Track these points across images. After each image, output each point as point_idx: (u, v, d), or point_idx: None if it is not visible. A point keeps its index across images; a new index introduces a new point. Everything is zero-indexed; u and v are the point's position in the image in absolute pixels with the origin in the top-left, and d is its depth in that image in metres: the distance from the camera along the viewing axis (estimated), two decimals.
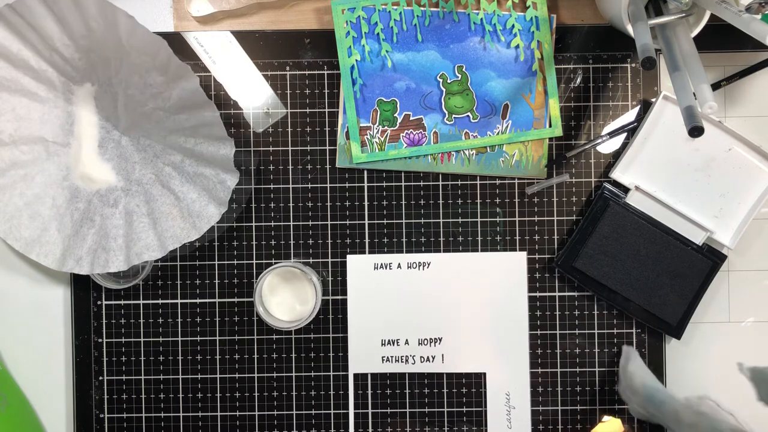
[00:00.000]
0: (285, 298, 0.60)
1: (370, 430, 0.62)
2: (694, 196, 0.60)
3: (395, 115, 0.61)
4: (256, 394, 0.62)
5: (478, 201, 0.62)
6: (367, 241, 0.62)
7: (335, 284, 0.62)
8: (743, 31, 0.48)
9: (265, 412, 0.62)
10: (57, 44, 0.56)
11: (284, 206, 0.62)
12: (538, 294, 0.62)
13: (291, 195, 0.62)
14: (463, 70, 0.61)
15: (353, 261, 0.62)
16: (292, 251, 0.62)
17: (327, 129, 0.62)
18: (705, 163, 0.60)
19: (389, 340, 0.62)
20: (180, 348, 0.62)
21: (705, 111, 0.47)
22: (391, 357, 0.62)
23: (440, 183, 0.62)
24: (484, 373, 0.62)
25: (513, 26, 0.60)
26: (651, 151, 0.60)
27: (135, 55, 0.54)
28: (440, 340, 0.62)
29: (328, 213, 0.62)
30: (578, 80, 0.61)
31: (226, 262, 0.62)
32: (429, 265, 0.62)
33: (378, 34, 0.60)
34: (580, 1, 0.61)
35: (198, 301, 0.62)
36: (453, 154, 0.61)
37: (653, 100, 0.61)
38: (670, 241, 0.60)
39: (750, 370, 0.55)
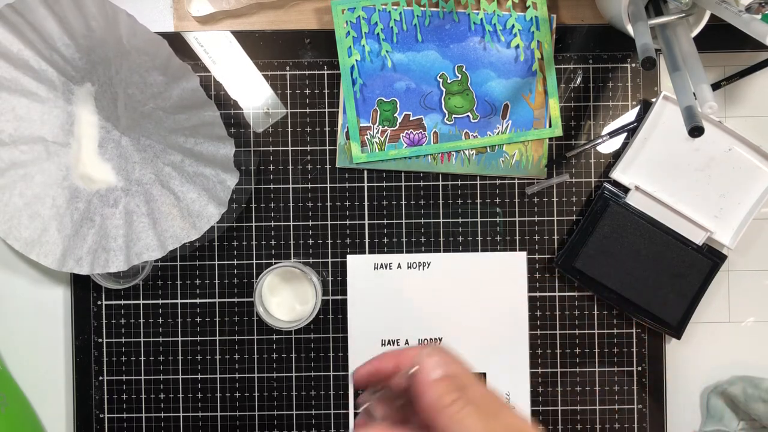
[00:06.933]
0: (285, 298, 0.60)
1: None
2: (694, 196, 0.60)
3: (395, 115, 0.61)
4: (256, 394, 0.62)
5: (478, 201, 0.62)
6: (367, 241, 0.62)
7: (335, 284, 0.62)
8: (743, 31, 0.48)
9: (265, 412, 0.62)
10: (57, 44, 0.56)
11: (284, 206, 0.62)
12: (538, 294, 0.62)
13: (291, 195, 0.62)
14: (463, 70, 0.61)
15: (353, 261, 0.62)
16: (292, 251, 0.62)
17: (327, 129, 0.62)
18: (705, 163, 0.60)
19: (389, 340, 0.62)
20: (180, 348, 0.62)
21: (705, 111, 0.47)
22: None
23: (440, 183, 0.62)
24: (484, 373, 0.62)
25: (513, 26, 0.60)
26: (651, 151, 0.60)
27: (135, 55, 0.54)
28: (440, 340, 0.62)
29: (328, 213, 0.62)
30: (578, 80, 0.61)
31: (226, 262, 0.62)
32: (429, 265, 0.62)
33: (378, 34, 0.60)
34: (580, 1, 0.61)
35: (198, 301, 0.62)
36: (453, 154, 0.61)
37: (653, 100, 0.61)
38: (670, 241, 0.60)
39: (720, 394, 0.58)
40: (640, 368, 0.62)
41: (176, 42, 0.60)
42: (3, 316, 0.63)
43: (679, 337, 0.60)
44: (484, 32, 0.60)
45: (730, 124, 0.61)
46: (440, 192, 0.62)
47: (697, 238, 0.60)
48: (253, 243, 0.62)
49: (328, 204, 0.62)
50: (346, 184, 0.62)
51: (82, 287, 0.62)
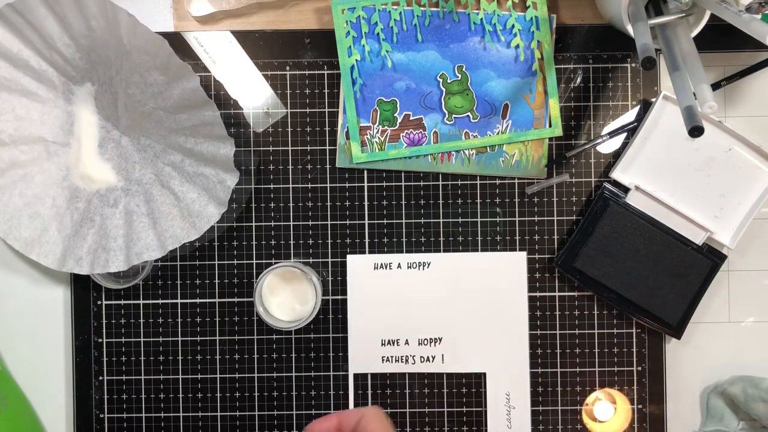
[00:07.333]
0: (285, 298, 0.60)
1: None
2: (694, 196, 0.60)
3: (395, 115, 0.61)
4: (256, 394, 0.62)
5: (478, 201, 0.62)
6: (367, 241, 0.62)
7: (335, 284, 0.62)
8: (743, 31, 0.48)
9: (265, 412, 0.62)
10: (58, 44, 0.56)
11: (284, 206, 0.62)
12: (538, 294, 0.62)
13: (291, 195, 0.62)
14: (463, 70, 0.61)
15: (353, 261, 0.62)
16: (292, 251, 0.62)
17: (327, 129, 0.62)
18: (705, 163, 0.60)
19: (389, 340, 0.62)
20: (180, 348, 0.62)
21: (705, 111, 0.47)
22: (391, 357, 0.62)
23: (440, 183, 0.62)
24: (484, 373, 0.62)
25: (513, 26, 0.60)
26: (651, 151, 0.60)
27: (136, 55, 0.54)
28: (440, 340, 0.62)
29: (328, 213, 0.62)
30: (578, 80, 0.61)
31: (226, 262, 0.62)
32: (429, 265, 0.62)
33: (378, 34, 0.60)
34: (580, 1, 0.61)
35: (198, 301, 0.62)
36: (453, 154, 0.61)
37: (653, 100, 0.61)
38: (670, 241, 0.60)
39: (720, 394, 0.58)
40: (640, 368, 0.62)
41: (176, 42, 0.60)
42: (3, 316, 0.63)
43: (679, 337, 0.60)
44: (484, 32, 0.60)
45: (730, 124, 0.61)
46: (440, 192, 0.62)
47: (697, 238, 0.60)
48: (253, 243, 0.62)
49: (328, 204, 0.62)
50: (346, 184, 0.62)
51: (82, 287, 0.62)
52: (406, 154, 0.61)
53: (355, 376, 0.62)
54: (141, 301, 0.62)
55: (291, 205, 0.62)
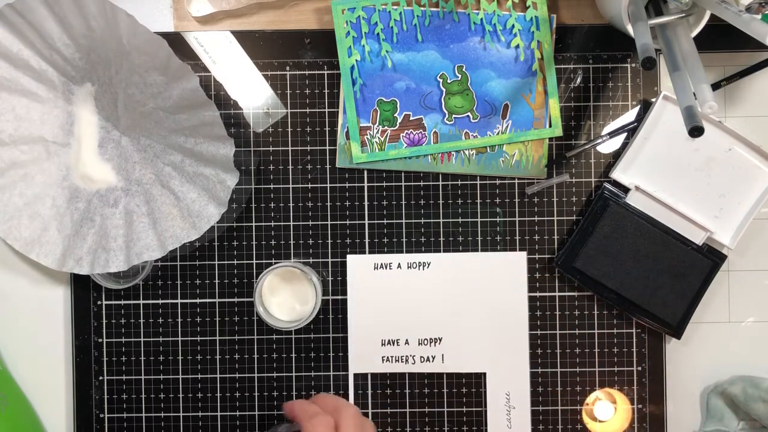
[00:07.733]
0: (285, 298, 0.60)
1: None
2: (694, 196, 0.60)
3: (395, 115, 0.61)
4: (256, 394, 0.62)
5: (478, 201, 0.62)
6: (367, 241, 0.62)
7: (335, 284, 0.62)
8: (743, 31, 0.48)
9: (265, 412, 0.62)
10: (57, 44, 0.56)
11: (284, 206, 0.62)
12: (538, 294, 0.62)
13: (291, 195, 0.62)
14: (463, 70, 0.61)
15: (353, 261, 0.62)
16: (292, 251, 0.62)
17: (327, 129, 0.62)
18: (705, 163, 0.60)
19: (389, 340, 0.62)
20: (180, 348, 0.62)
21: (705, 111, 0.47)
22: (391, 357, 0.62)
23: (440, 183, 0.62)
24: (484, 373, 0.62)
25: (513, 26, 0.60)
26: (651, 151, 0.60)
27: (135, 55, 0.54)
28: (440, 340, 0.62)
29: (328, 213, 0.62)
30: (578, 80, 0.61)
31: (226, 262, 0.62)
32: (429, 265, 0.62)
33: (378, 34, 0.60)
34: (580, 1, 0.61)
35: (198, 301, 0.62)
36: (453, 154, 0.61)
37: (653, 100, 0.61)
38: (670, 241, 0.60)
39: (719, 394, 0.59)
40: (640, 368, 0.62)
41: (176, 42, 0.60)
42: (3, 316, 0.63)
43: (679, 337, 0.60)
44: (484, 32, 0.60)
45: (730, 124, 0.61)
46: (440, 192, 0.62)
47: (697, 238, 0.60)
48: (253, 243, 0.62)
49: (328, 204, 0.62)
50: (346, 184, 0.62)
51: (82, 287, 0.62)
52: (406, 154, 0.61)
53: (355, 376, 0.62)
54: (141, 301, 0.62)
55: (291, 205, 0.62)
